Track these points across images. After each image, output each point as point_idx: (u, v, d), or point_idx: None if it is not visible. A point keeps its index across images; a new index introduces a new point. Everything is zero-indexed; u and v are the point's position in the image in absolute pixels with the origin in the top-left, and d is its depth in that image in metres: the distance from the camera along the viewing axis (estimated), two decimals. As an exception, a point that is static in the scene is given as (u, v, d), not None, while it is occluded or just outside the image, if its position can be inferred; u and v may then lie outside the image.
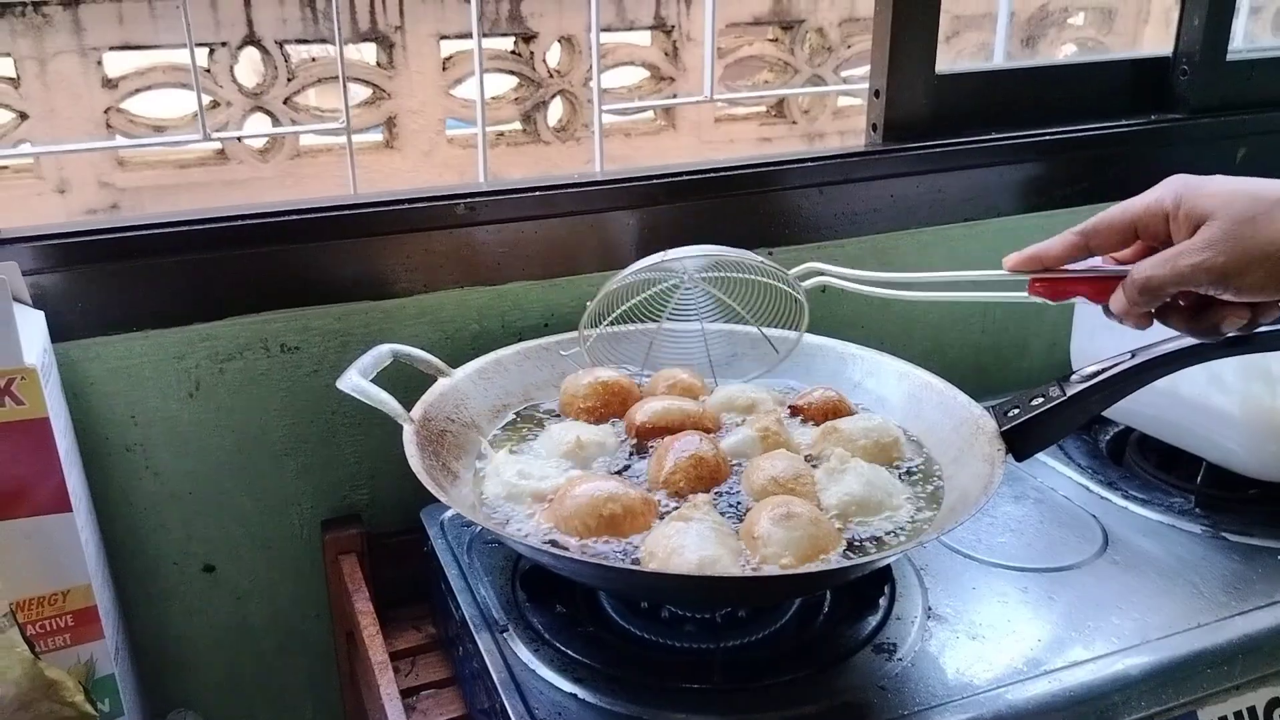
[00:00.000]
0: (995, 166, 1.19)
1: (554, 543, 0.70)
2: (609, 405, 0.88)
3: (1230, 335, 0.68)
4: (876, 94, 1.17)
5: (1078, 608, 0.79)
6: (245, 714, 1.02)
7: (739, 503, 0.76)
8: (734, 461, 0.80)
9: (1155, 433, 0.98)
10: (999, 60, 2.03)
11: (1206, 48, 1.26)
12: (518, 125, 2.33)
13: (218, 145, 2.04)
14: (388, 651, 0.85)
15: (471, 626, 0.77)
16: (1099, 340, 1.00)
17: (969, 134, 1.19)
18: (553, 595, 0.80)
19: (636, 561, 0.70)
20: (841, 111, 2.54)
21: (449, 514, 0.92)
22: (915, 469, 0.81)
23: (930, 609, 0.79)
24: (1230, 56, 1.28)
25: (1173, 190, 0.68)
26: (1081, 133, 1.23)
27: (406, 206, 0.94)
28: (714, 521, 0.71)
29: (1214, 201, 0.65)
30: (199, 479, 0.94)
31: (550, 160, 2.21)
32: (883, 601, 0.80)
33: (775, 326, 0.92)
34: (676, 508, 0.73)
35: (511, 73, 2.32)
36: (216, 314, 0.90)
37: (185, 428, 0.92)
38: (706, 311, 0.93)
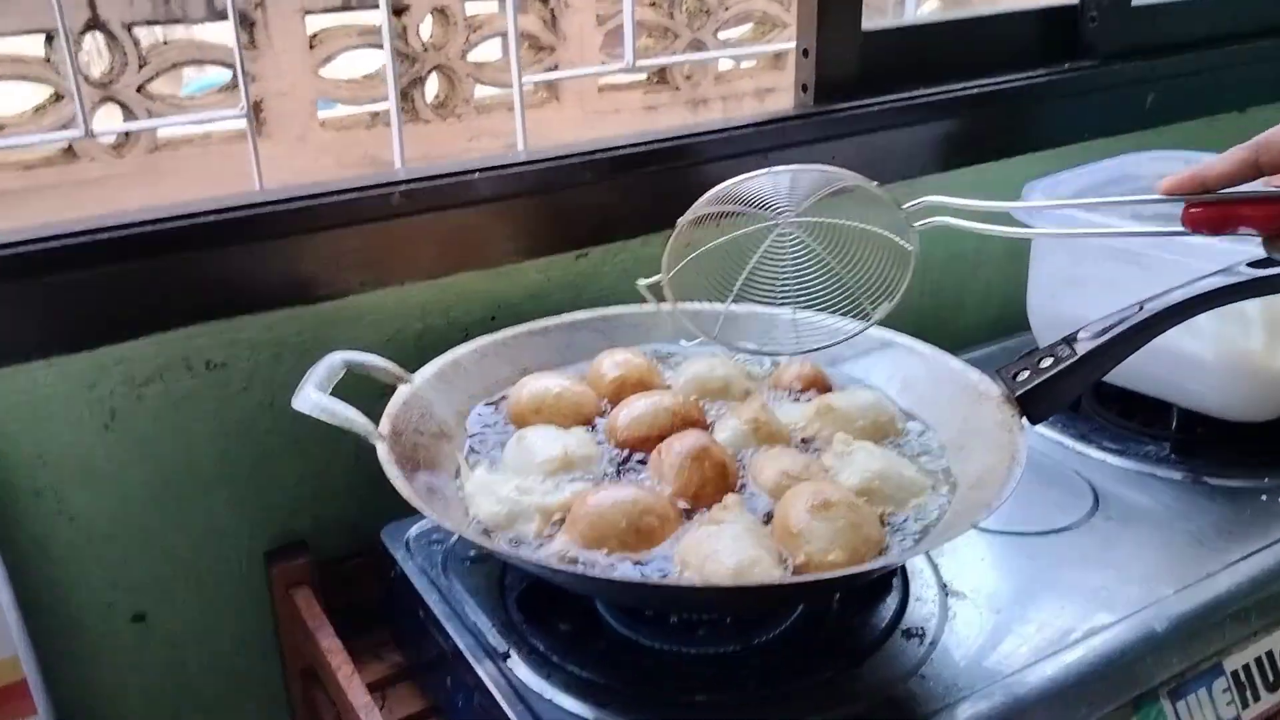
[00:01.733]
0: (927, 124, 1.17)
1: (574, 560, 0.64)
2: (579, 413, 0.81)
3: (1254, 277, 0.67)
4: (805, 53, 1.13)
5: (1088, 569, 0.78)
6: (191, 772, 0.92)
7: (754, 500, 0.71)
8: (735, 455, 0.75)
9: (1121, 381, 0.97)
10: (911, 15, 2.02)
11: (1112, -7, 1.27)
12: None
13: (64, 143, 1.85)
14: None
15: (468, 656, 0.70)
16: (1060, 298, 0.99)
17: (896, 91, 1.16)
18: (552, 614, 0.74)
19: (665, 574, 0.64)
20: (723, 77, 2.50)
21: (414, 532, 0.83)
22: (914, 444, 0.78)
23: (946, 586, 0.76)
24: (1136, 2, 1.29)
25: None
26: (1002, 85, 1.22)
27: (335, 199, 0.85)
28: (746, 523, 0.66)
29: None
30: (121, 519, 0.83)
31: (431, 139, 2.10)
32: (896, 583, 0.77)
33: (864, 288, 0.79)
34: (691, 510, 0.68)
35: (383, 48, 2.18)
36: (130, 333, 0.79)
37: (102, 463, 0.81)
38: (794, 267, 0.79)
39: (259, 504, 0.89)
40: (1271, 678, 0.74)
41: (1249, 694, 0.73)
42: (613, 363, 0.85)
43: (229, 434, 0.86)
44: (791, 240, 0.78)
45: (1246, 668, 0.73)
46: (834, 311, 0.77)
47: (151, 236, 0.79)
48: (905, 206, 0.74)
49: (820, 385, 0.85)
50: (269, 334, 0.85)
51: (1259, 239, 0.64)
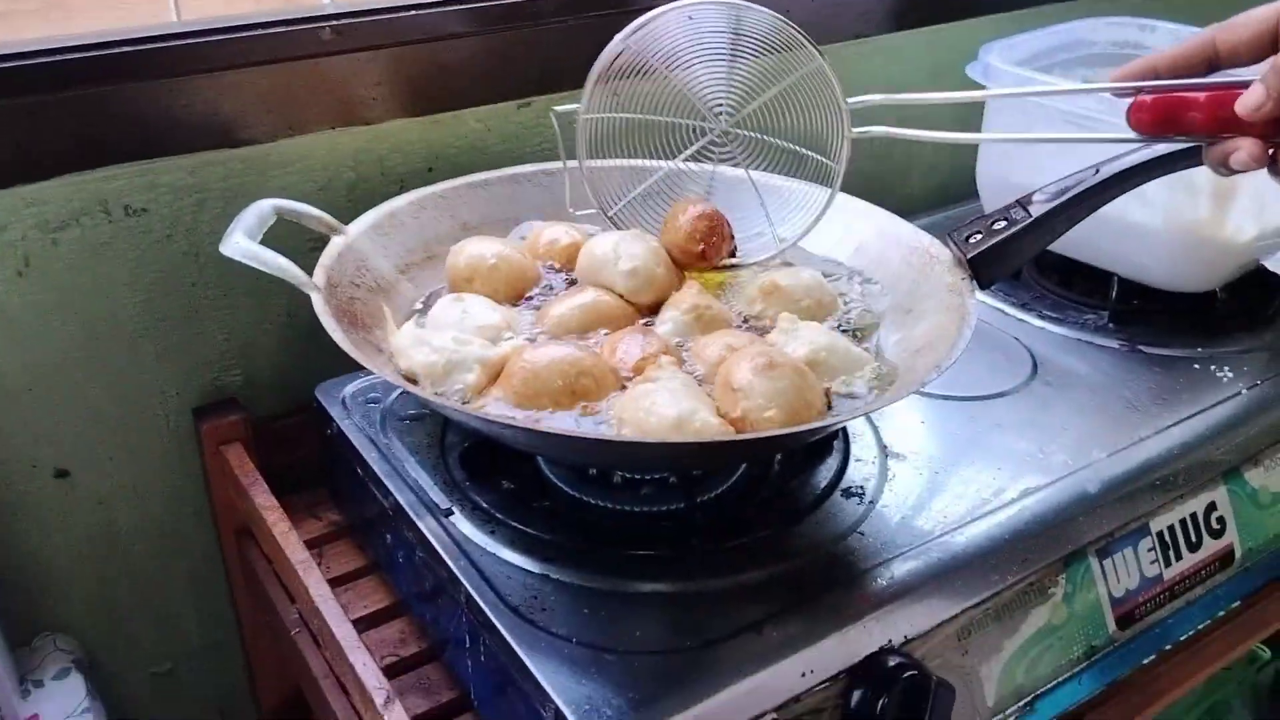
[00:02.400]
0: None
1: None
2: (512, 287, 0.77)
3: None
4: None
5: (1025, 432, 0.79)
6: (121, 629, 0.90)
7: (697, 376, 0.69)
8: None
9: (1063, 249, 0.97)
10: None
11: None
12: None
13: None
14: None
15: (410, 513, 0.69)
16: (1012, 162, 0.98)
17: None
18: (494, 471, 0.73)
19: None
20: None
21: (350, 390, 0.81)
22: (858, 308, 0.77)
23: (886, 447, 0.77)
24: None
25: None
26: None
27: (260, 33, 0.80)
28: (683, 379, 0.65)
29: None
30: (39, 373, 0.79)
31: None
32: (837, 444, 0.77)
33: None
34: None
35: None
36: (43, 173, 0.74)
37: (17, 313, 0.77)
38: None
39: (186, 359, 0.85)
40: (1194, 538, 0.76)
41: (1172, 553, 0.75)
42: (550, 236, 0.82)
43: (152, 285, 0.82)
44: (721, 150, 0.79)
45: (1171, 528, 0.75)
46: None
47: (61, 68, 0.73)
48: (850, 101, 0.73)
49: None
50: (192, 178, 0.80)
51: (1200, 147, 0.62)
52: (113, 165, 0.77)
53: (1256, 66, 0.59)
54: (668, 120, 0.78)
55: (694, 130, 0.79)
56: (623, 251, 0.75)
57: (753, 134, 0.79)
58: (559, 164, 0.84)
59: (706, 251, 0.77)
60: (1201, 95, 0.61)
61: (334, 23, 0.81)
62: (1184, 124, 0.62)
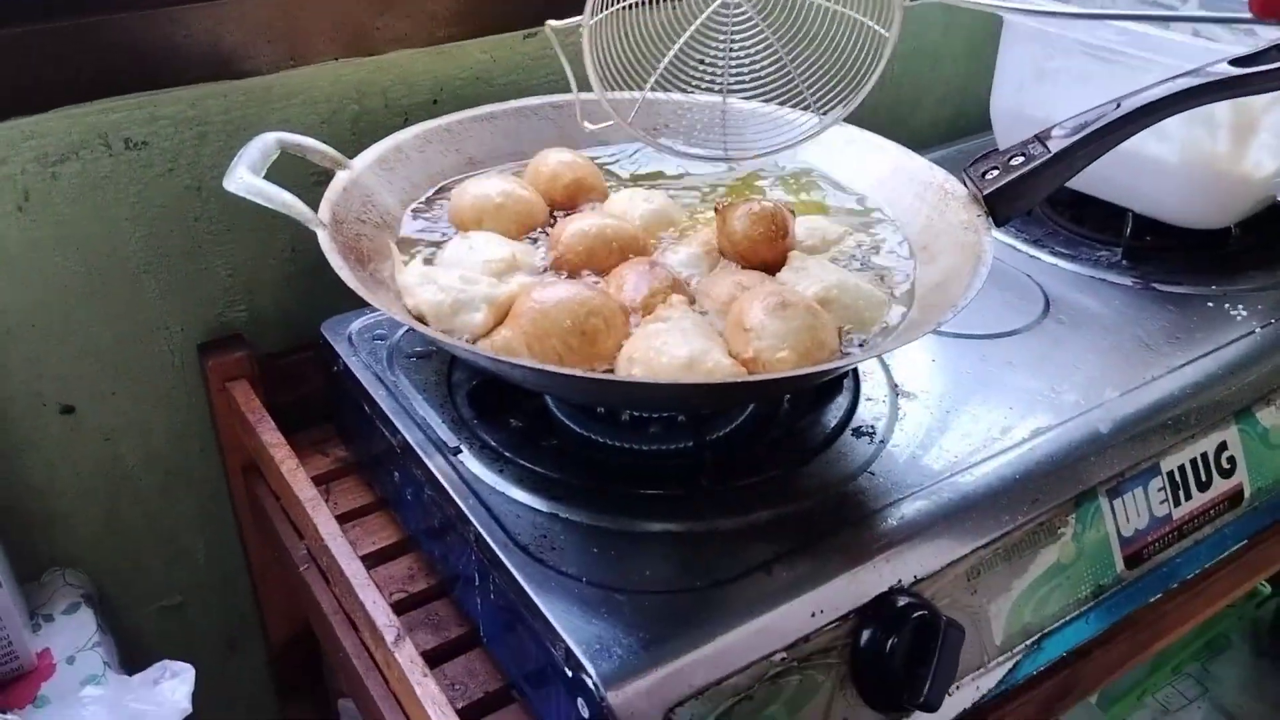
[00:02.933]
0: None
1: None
2: (520, 224, 0.76)
3: (1235, 75, 0.64)
4: None
5: (1037, 371, 0.78)
6: (131, 563, 0.91)
7: (706, 315, 0.68)
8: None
9: (1078, 185, 0.96)
10: None
11: None
12: None
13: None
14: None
15: (418, 450, 0.69)
16: (1027, 93, 0.96)
17: None
18: (502, 409, 0.72)
19: (611, 370, 0.63)
20: None
21: (356, 326, 0.81)
22: (886, 248, 0.76)
23: (897, 386, 0.76)
24: None
25: None
26: None
27: (260, -39, 0.77)
28: (694, 319, 0.64)
29: None
30: (42, 309, 0.79)
31: None
32: (847, 384, 0.77)
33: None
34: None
35: None
36: (40, 105, 0.73)
37: (17, 249, 0.76)
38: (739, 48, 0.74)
39: (190, 295, 0.84)
40: (1204, 477, 0.76)
41: (1181, 493, 0.75)
42: (560, 161, 0.80)
43: (154, 219, 0.80)
44: (737, 14, 0.71)
45: (1181, 468, 0.75)
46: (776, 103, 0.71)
47: (55, -4, 0.71)
48: None
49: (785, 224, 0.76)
50: (192, 111, 0.79)
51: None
52: (111, 98, 0.75)
53: None
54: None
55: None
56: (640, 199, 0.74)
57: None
58: (567, 96, 0.82)
59: (769, 256, 0.72)
60: None
61: (335, -51, 0.79)
62: None
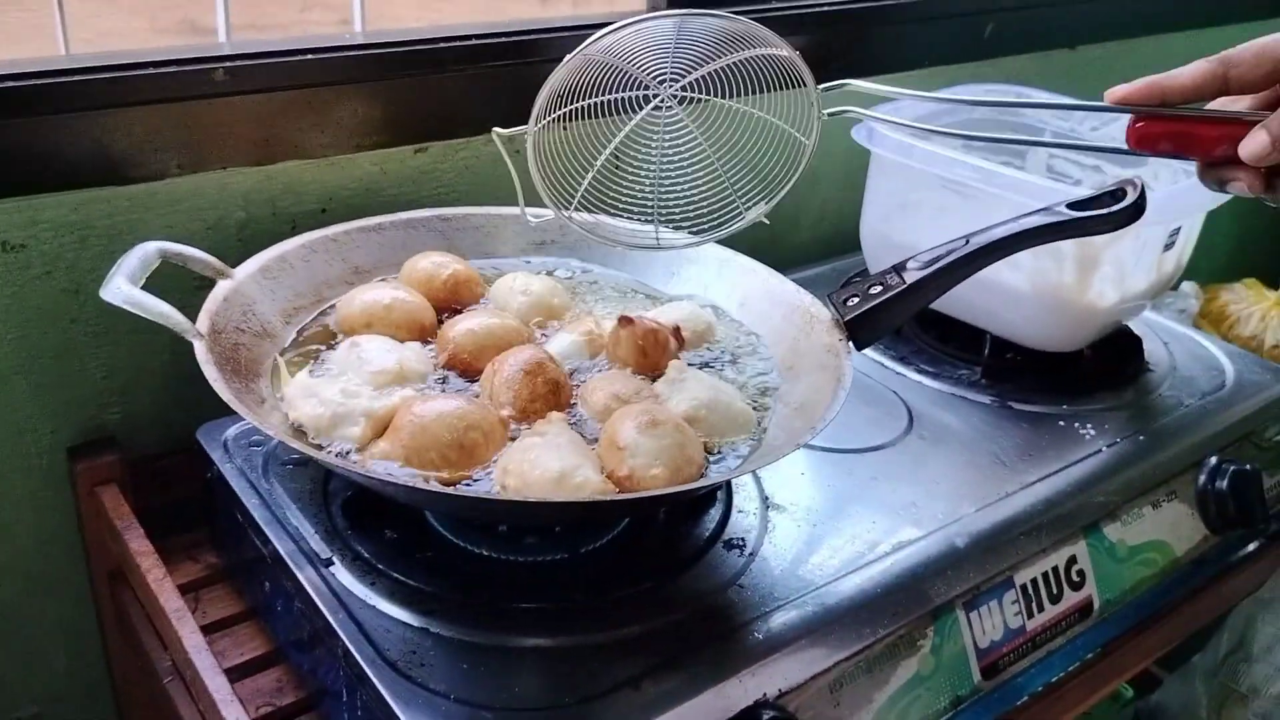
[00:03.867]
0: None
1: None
2: (409, 330, 0.78)
3: (1072, 218, 0.70)
4: (656, -51, 1.10)
5: (900, 486, 0.82)
6: (-16, 673, 0.87)
7: (582, 425, 0.71)
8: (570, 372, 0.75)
9: (941, 307, 1.01)
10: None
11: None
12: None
13: None
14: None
15: (289, 561, 0.68)
16: (891, 222, 1.02)
17: (747, 2, 1.15)
18: (378, 520, 0.72)
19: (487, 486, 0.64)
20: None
21: (233, 432, 0.80)
22: (752, 366, 0.80)
23: (768, 499, 0.79)
24: (984, -69, 1.31)
25: None
26: (851, 5, 1.22)
27: (151, 71, 0.79)
28: (569, 436, 0.66)
29: None
30: (-97, 408, 0.77)
31: (259, 5, 1.91)
32: (720, 496, 0.79)
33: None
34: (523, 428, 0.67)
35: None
36: (-86, 207, 0.72)
37: (-119, 348, 0.74)
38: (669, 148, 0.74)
39: (63, 396, 0.83)
40: (1055, 590, 0.80)
41: (1034, 605, 0.79)
42: (433, 263, 0.83)
43: (28, 321, 0.79)
44: (669, 119, 0.73)
45: (1034, 581, 0.79)
46: (704, 205, 0.74)
47: (-62, 100, 0.71)
48: (820, 87, 0.70)
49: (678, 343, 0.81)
50: (74, 216, 0.79)
51: (1193, 163, 0.63)
52: (-9, 200, 0.75)
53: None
54: (618, 96, 0.71)
55: (641, 101, 0.72)
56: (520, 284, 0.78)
57: (707, 97, 0.71)
58: (454, 210, 0.84)
59: (657, 361, 0.76)
60: (1207, 128, 0.61)
61: (227, 64, 0.80)
62: (1185, 148, 0.62)
